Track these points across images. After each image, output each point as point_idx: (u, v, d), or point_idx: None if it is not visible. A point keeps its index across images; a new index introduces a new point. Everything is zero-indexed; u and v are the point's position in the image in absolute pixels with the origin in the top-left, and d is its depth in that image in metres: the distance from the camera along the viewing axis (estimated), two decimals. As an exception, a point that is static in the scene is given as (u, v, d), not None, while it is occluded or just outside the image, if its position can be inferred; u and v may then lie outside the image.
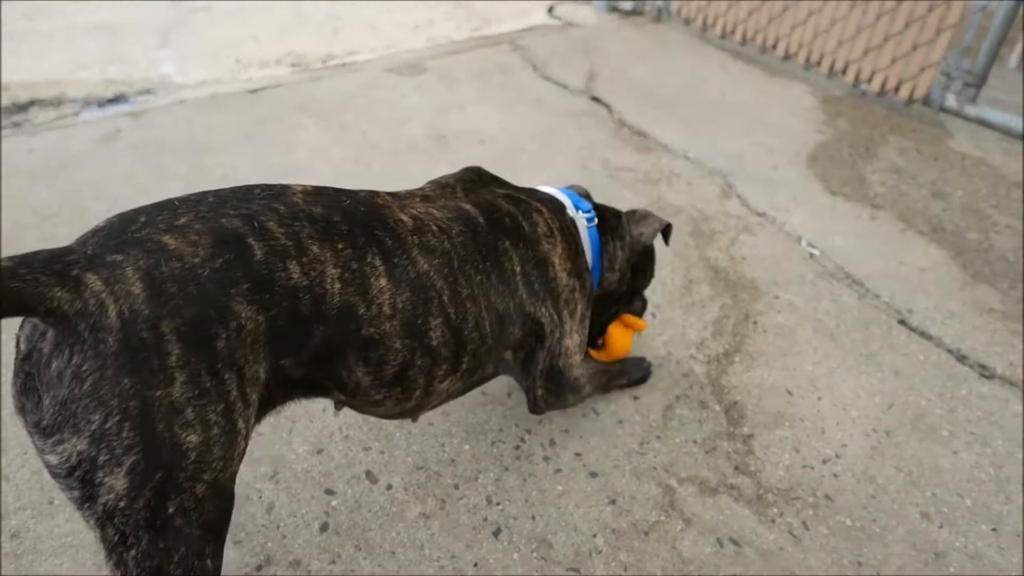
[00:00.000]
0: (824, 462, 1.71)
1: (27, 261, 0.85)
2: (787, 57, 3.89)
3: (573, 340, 1.51)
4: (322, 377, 1.13)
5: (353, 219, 1.14)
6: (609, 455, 1.69)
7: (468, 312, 1.27)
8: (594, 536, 1.51)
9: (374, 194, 1.24)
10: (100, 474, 0.87)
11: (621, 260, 1.68)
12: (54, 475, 0.90)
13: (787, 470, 1.69)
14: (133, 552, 0.92)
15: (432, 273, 1.21)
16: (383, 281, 1.13)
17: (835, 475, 1.68)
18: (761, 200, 2.72)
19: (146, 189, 2.51)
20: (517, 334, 1.40)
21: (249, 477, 1.58)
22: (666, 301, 2.18)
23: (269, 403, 1.10)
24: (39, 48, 3.76)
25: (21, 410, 0.90)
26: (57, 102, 3.19)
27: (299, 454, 1.64)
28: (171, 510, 0.92)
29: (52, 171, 2.64)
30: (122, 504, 0.89)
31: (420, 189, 1.39)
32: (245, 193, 1.07)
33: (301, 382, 1.12)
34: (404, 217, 1.22)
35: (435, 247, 1.23)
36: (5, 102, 3.15)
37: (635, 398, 1.85)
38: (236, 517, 1.50)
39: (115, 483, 0.88)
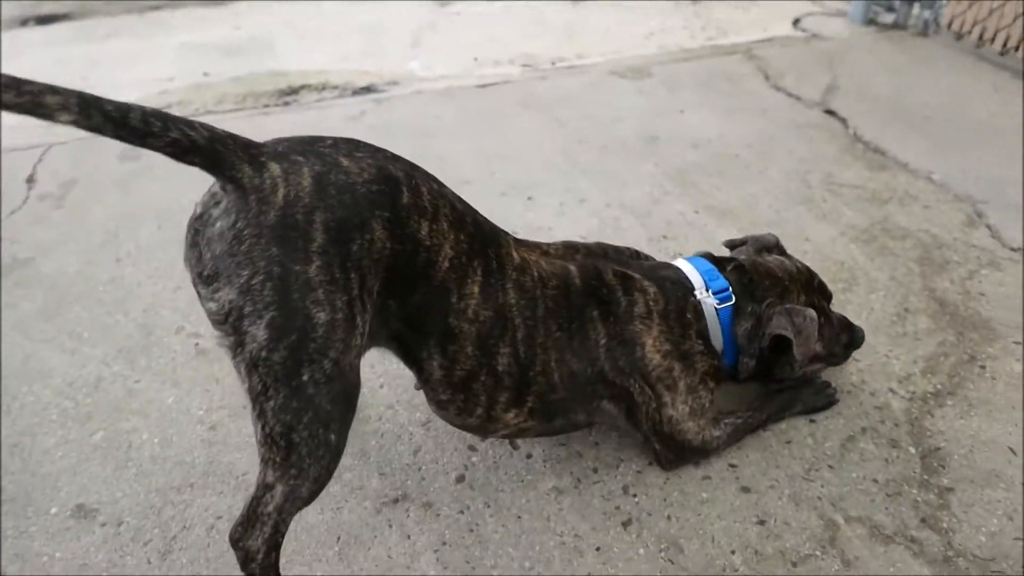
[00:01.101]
0: (1047, 540, 1.39)
1: (233, 137, 1.06)
2: (1087, 78, 3.25)
3: (679, 410, 1.47)
4: (410, 345, 1.27)
5: (479, 228, 1.31)
6: (768, 473, 1.53)
7: (537, 358, 1.34)
8: (732, 553, 1.38)
9: (501, 230, 1.39)
10: (246, 323, 1.03)
11: (758, 347, 1.53)
12: (215, 323, 1.07)
13: (991, 538, 1.40)
14: (271, 404, 1.06)
15: (515, 309, 1.32)
16: (476, 289, 1.27)
17: (1060, 558, 1.36)
18: (1018, 234, 2.29)
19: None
20: (603, 391, 1.43)
21: (405, 419, 1.68)
22: (870, 326, 1.92)
23: (376, 335, 1.22)
24: (317, 43, 4.36)
25: (188, 261, 1.09)
26: (321, 87, 3.68)
27: (452, 408, 1.71)
28: (304, 377, 1.05)
29: (305, 142, 3.05)
30: (263, 354, 1.03)
31: (549, 244, 1.49)
32: (414, 165, 1.26)
33: (397, 337, 1.25)
34: (515, 254, 1.36)
35: (528, 289, 1.34)
36: (282, 86, 3.71)
37: (811, 420, 1.66)
38: (385, 452, 1.60)
39: (257, 333, 1.02)
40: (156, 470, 1.57)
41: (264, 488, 1.12)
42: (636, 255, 1.56)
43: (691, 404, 1.47)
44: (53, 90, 0.91)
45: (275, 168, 1.06)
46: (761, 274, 1.56)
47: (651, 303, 1.43)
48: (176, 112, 3.41)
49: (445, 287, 1.22)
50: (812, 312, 1.51)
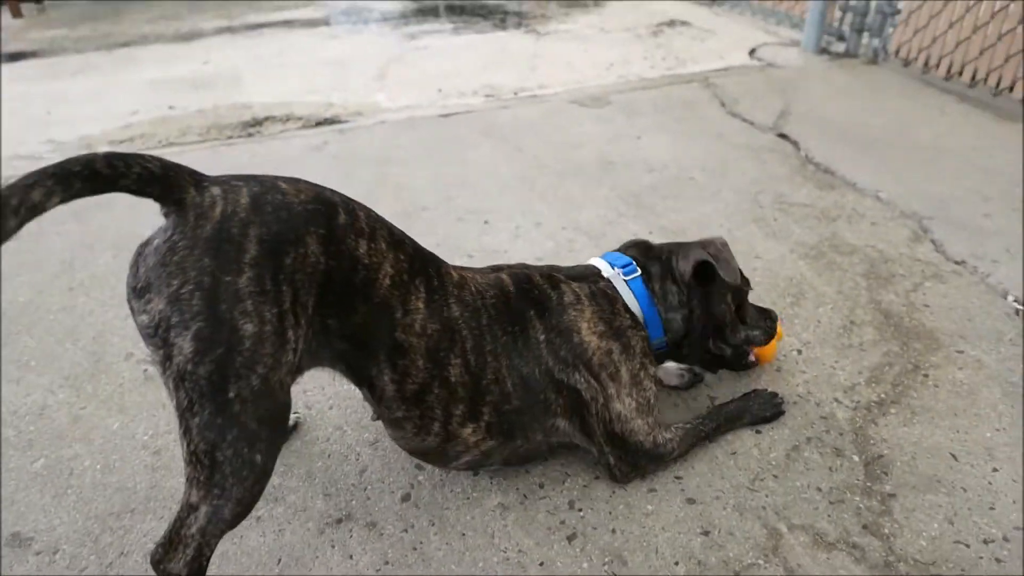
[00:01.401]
0: (986, 542, 1.40)
1: (179, 166, 1.10)
2: (1027, 100, 3.38)
3: (625, 404, 1.48)
4: (358, 364, 1.26)
5: (417, 251, 1.36)
6: (713, 484, 1.54)
7: (488, 365, 1.37)
8: (676, 564, 1.38)
9: (438, 257, 1.43)
10: (173, 334, 1.03)
11: (678, 298, 1.59)
12: (146, 337, 1.06)
13: (932, 542, 1.41)
14: (197, 420, 1.05)
15: (461, 321, 1.35)
16: (420, 304, 1.30)
17: (998, 560, 1.37)
18: (962, 248, 2.35)
19: (336, 189, 2.82)
20: (555, 401, 1.45)
21: (352, 440, 1.67)
22: (817, 339, 1.96)
23: (317, 355, 1.23)
24: (284, 77, 4.41)
25: (128, 283, 1.09)
26: (285, 119, 3.71)
27: (401, 428, 1.70)
28: (231, 394, 1.05)
29: (264, 171, 3.06)
30: (189, 368, 1.03)
31: (477, 268, 1.55)
32: (352, 198, 1.30)
33: (343, 357, 1.25)
34: (453, 273, 1.41)
35: (469, 303, 1.38)
36: (246, 117, 3.74)
37: (757, 431, 1.67)
38: (331, 473, 1.59)
39: (184, 344, 1.03)
40: (96, 496, 1.54)
41: (188, 509, 1.10)
42: (553, 267, 1.63)
43: (636, 398, 1.49)
44: (31, 187, 0.92)
45: (216, 190, 1.11)
46: (658, 245, 1.68)
47: (577, 290, 1.51)
48: (139, 144, 3.45)
49: (388, 304, 1.24)
50: (721, 237, 1.60)
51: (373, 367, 1.26)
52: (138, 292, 1.06)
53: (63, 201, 0.96)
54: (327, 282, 1.16)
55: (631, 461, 1.51)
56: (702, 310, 1.60)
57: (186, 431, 1.07)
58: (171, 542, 1.10)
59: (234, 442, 1.07)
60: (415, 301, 1.28)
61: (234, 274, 1.05)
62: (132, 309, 1.09)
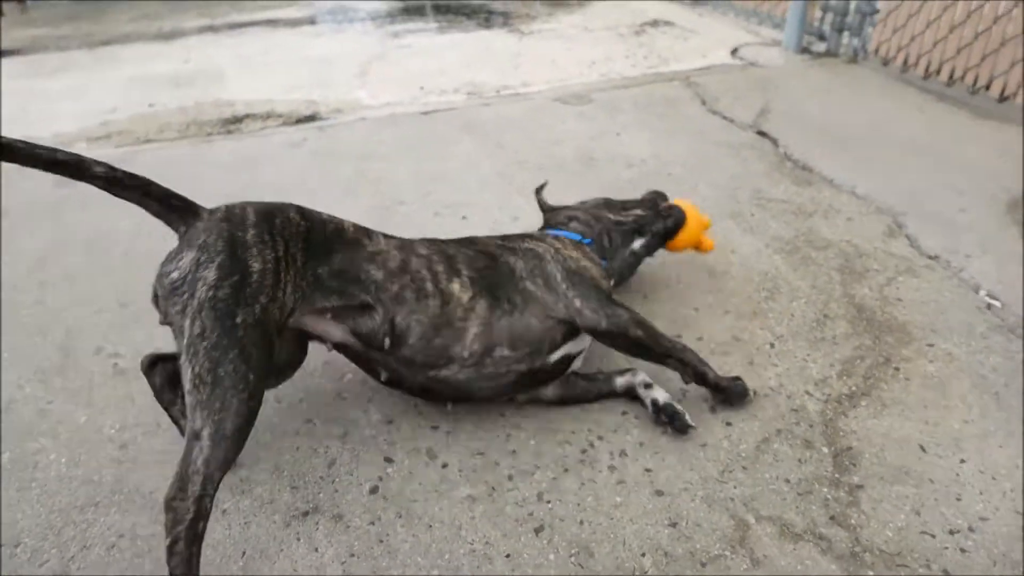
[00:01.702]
0: (951, 532, 1.41)
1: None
2: (1003, 98, 3.40)
3: (573, 255, 1.72)
4: (348, 283, 1.49)
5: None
6: (682, 476, 1.54)
7: (448, 247, 1.67)
8: (643, 555, 1.37)
9: None
10: (201, 268, 1.32)
11: (567, 217, 2.01)
12: (171, 293, 1.32)
13: (898, 532, 1.41)
14: (206, 343, 1.26)
15: (416, 243, 1.66)
16: (381, 237, 1.62)
17: (963, 550, 1.37)
18: (935, 243, 2.37)
19: (313, 185, 2.81)
20: (516, 264, 1.66)
21: (322, 433, 1.66)
22: (790, 332, 1.96)
23: (311, 299, 1.46)
24: (265, 76, 4.39)
25: (157, 273, 1.38)
26: (265, 116, 3.69)
27: (371, 421, 1.69)
28: (239, 319, 1.29)
29: (243, 166, 3.05)
30: (211, 293, 1.29)
31: None
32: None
33: (335, 291, 1.48)
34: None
35: (422, 242, 1.68)
36: (227, 115, 3.72)
37: (728, 424, 1.67)
38: (299, 467, 1.58)
39: (209, 274, 1.31)
40: (61, 490, 1.53)
41: (193, 438, 1.20)
42: None
43: (583, 253, 1.75)
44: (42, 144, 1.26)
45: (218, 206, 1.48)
46: None
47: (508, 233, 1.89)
48: (116, 141, 3.42)
49: (357, 239, 1.56)
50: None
51: (361, 272, 1.51)
52: (168, 260, 1.36)
53: (64, 166, 1.28)
54: (308, 239, 1.48)
55: (596, 298, 1.61)
56: (583, 211, 2.01)
57: (193, 355, 1.25)
58: (181, 479, 1.18)
59: (234, 359, 1.26)
60: (376, 236, 1.62)
61: (242, 232, 1.39)
62: (159, 278, 1.36)
